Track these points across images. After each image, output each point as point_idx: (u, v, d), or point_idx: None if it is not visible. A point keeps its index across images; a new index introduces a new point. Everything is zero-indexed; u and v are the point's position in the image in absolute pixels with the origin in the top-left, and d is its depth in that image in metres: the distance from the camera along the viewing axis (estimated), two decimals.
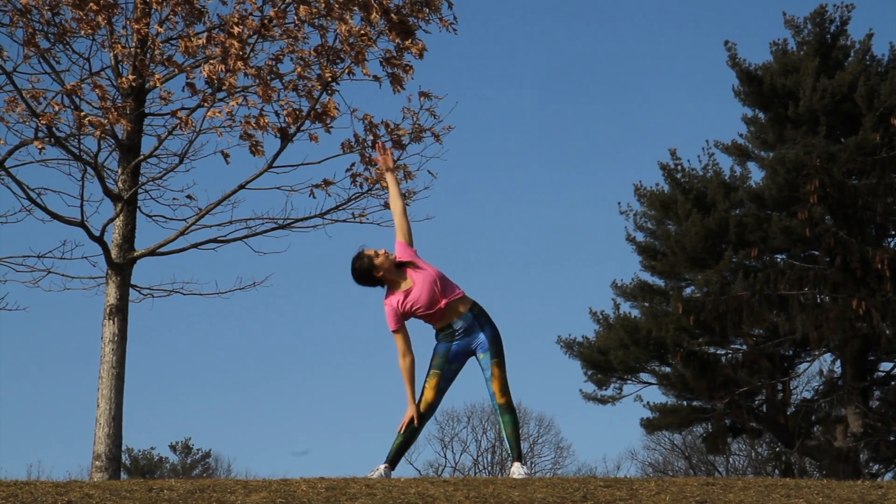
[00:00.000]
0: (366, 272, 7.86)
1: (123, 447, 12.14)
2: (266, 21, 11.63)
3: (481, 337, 7.86)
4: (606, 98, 70.38)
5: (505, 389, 7.83)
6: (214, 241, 12.49)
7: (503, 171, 70.06)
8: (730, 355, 25.77)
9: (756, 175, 27.95)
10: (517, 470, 7.71)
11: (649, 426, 28.75)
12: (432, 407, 7.86)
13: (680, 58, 67.23)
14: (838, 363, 26.45)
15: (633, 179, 40.48)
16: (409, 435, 7.83)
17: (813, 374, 34.37)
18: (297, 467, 73.13)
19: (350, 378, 65.94)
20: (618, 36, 70.04)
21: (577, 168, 69.72)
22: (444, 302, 7.80)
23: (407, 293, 7.77)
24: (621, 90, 69.77)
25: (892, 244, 25.30)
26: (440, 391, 7.86)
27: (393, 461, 7.79)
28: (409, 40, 11.94)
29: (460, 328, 7.83)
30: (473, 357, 7.90)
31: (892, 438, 25.31)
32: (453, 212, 62.33)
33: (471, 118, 61.70)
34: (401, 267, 7.84)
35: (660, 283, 28.56)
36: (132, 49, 11.87)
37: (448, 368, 7.86)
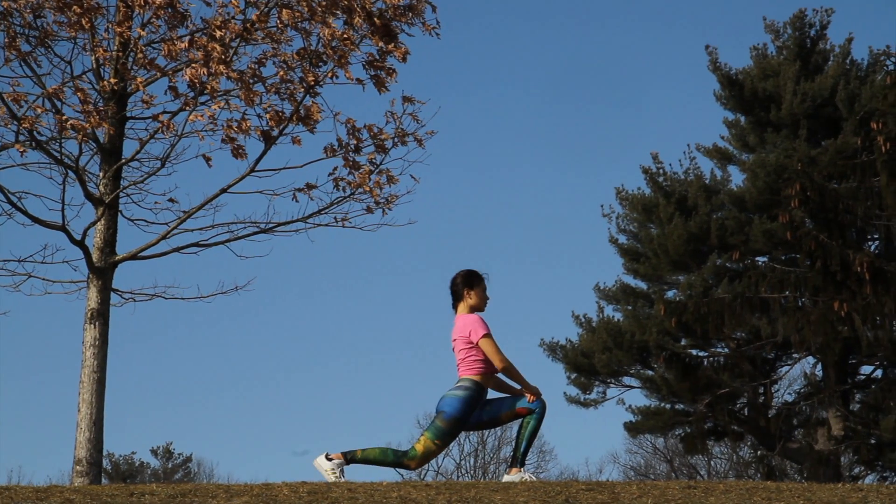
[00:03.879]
0: (468, 279, 8.05)
1: (104, 452, 12.12)
2: (248, 25, 11.62)
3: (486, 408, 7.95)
4: (589, 102, 70.51)
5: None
6: (196, 245, 12.46)
7: (486, 174, 70.07)
8: (712, 358, 25.83)
9: (736, 178, 28.04)
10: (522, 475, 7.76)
11: (632, 429, 28.79)
12: (422, 461, 7.90)
13: (662, 62, 67.42)
14: (819, 366, 26.55)
15: (616, 182, 40.53)
16: (391, 460, 7.85)
17: (794, 377, 34.49)
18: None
19: (332, 382, 65.89)
20: (600, 40, 70.18)
21: (560, 171, 69.81)
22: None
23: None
24: (604, 94, 69.91)
25: (872, 248, 25.40)
26: (432, 454, 7.95)
27: (352, 459, 7.79)
28: (393, 44, 11.96)
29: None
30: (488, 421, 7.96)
31: (872, 441, 25.39)
32: (436, 216, 62.34)
33: (453, 122, 61.73)
34: (468, 312, 8.00)
35: (643, 286, 28.62)
36: (114, 52, 11.85)
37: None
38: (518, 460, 7.80)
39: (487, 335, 7.82)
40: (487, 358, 7.83)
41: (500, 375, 7.94)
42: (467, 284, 8.02)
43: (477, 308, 8.01)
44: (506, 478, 7.73)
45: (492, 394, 7.99)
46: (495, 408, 7.88)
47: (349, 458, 7.79)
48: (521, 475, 7.70)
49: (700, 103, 58.82)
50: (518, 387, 7.91)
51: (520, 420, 7.87)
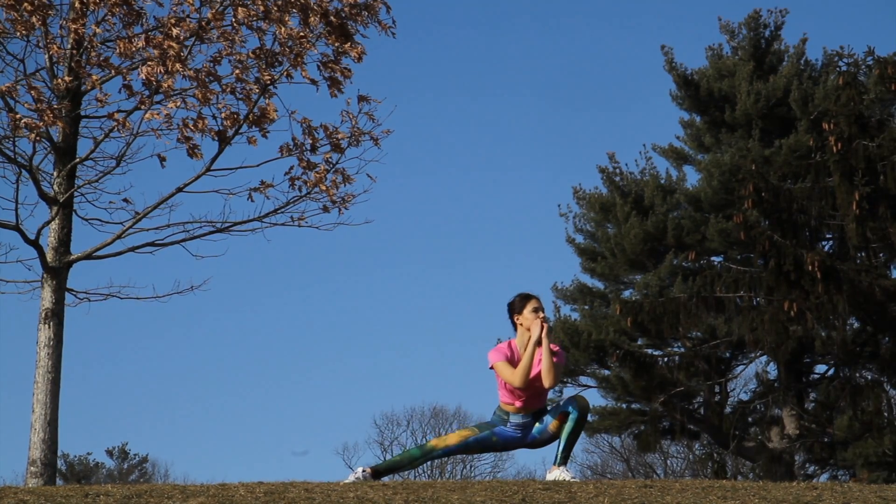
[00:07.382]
0: (509, 308, 8.04)
1: (59, 452, 12.02)
2: (204, 23, 11.56)
3: (536, 426, 8.00)
4: (545, 101, 70.76)
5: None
6: (152, 244, 12.39)
7: (442, 173, 70.20)
8: (667, 358, 25.93)
9: (692, 178, 28.18)
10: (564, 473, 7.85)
11: (588, 429, 28.87)
12: (449, 452, 7.98)
13: (618, 62, 67.75)
14: (773, 365, 26.71)
15: (573, 182, 40.67)
16: (407, 461, 7.95)
17: (749, 376, 34.69)
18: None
19: (288, 381, 65.72)
20: (556, 40, 70.43)
21: (516, 170, 70.01)
22: (533, 399, 7.95)
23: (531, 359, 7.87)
24: (560, 94, 70.18)
25: (826, 248, 25.57)
26: (466, 446, 7.99)
27: (379, 472, 7.86)
28: (348, 44, 11.94)
29: (517, 422, 7.98)
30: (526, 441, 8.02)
31: (826, 440, 25.59)
32: (393, 215, 62.33)
33: (409, 121, 61.77)
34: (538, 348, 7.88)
35: (600, 285, 28.70)
36: (68, 50, 11.75)
37: (489, 439, 8.00)
38: (557, 458, 7.88)
39: (495, 365, 7.88)
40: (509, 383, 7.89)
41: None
42: (511, 313, 8.06)
43: (528, 327, 7.95)
44: (548, 476, 7.86)
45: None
46: (545, 422, 7.99)
47: (377, 470, 7.91)
48: (559, 473, 7.80)
49: (656, 103, 59.25)
50: (557, 399, 8.06)
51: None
